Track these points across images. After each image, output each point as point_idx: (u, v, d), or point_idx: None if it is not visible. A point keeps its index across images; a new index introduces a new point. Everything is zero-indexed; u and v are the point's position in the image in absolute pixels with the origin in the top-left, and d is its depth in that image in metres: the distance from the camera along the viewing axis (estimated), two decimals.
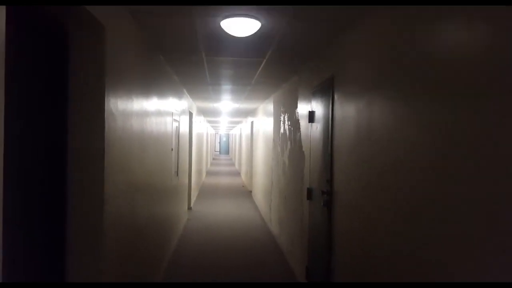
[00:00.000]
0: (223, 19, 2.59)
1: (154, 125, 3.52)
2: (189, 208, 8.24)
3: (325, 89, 3.32)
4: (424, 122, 1.70)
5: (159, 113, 3.81)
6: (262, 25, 2.71)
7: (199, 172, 11.19)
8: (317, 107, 3.58)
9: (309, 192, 3.77)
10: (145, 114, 3.08)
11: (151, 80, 3.36)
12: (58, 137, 1.95)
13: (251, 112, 10.69)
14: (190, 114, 7.78)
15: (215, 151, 36.42)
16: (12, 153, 1.49)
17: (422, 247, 1.68)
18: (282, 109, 5.68)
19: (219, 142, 39.63)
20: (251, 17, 2.55)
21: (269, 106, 7.09)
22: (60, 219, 1.96)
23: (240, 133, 17.76)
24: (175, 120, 5.11)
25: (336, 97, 3.02)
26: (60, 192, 1.96)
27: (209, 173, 17.37)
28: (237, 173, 17.93)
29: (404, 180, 1.87)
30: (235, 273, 4.41)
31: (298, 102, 4.50)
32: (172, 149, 4.88)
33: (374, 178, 2.24)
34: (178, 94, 5.35)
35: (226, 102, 8.13)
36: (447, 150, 1.52)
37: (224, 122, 16.55)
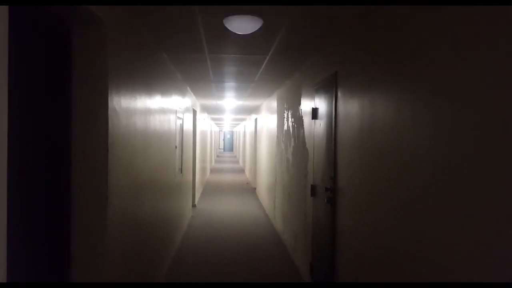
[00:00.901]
0: (226, 17, 2.59)
1: (158, 122, 3.53)
2: (193, 205, 8.27)
3: (328, 86, 3.31)
4: (428, 119, 1.70)
5: (163, 111, 3.82)
6: (264, 23, 2.71)
7: (203, 169, 11.21)
8: (321, 103, 3.57)
9: (313, 188, 3.77)
10: (148, 111, 3.09)
11: (154, 78, 3.37)
12: (62, 135, 1.96)
13: (255, 109, 10.68)
14: (194, 112, 7.79)
15: (219, 148, 36.47)
16: (16, 152, 1.50)
17: (426, 245, 1.68)
18: (285, 106, 5.68)
19: (223, 139, 39.69)
20: (253, 15, 2.54)
21: (273, 103, 7.09)
22: (63, 218, 1.98)
23: (244, 130, 17.77)
24: (179, 118, 5.12)
25: (339, 93, 3.02)
26: (64, 191, 1.97)
27: (213, 170, 17.41)
28: (241, 170, 17.96)
29: (408, 177, 1.87)
30: (239, 270, 4.43)
31: (301, 98, 4.49)
32: (176, 147, 4.89)
33: (377, 174, 2.24)
34: (181, 91, 5.36)
35: (229, 99, 8.13)
36: (451, 148, 1.52)
37: (228, 119, 16.56)
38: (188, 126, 6.42)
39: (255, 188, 11.15)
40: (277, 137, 6.49)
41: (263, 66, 4.40)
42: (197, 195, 9.06)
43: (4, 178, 1.10)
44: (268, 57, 3.92)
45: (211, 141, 17.57)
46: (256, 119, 10.97)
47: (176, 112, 4.77)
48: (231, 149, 38.76)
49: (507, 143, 1.21)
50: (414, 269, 1.78)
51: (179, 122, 5.14)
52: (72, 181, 2.01)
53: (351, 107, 2.73)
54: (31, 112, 1.69)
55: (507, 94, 1.21)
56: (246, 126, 16.00)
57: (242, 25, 2.64)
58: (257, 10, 2.48)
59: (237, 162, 23.76)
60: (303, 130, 4.35)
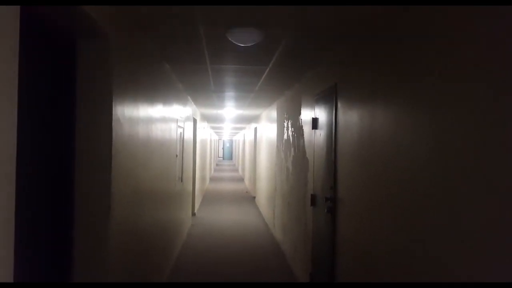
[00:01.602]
0: (228, 29, 2.63)
1: (159, 131, 3.56)
2: (193, 214, 8.26)
3: (328, 96, 3.35)
4: (428, 132, 1.73)
5: (164, 120, 3.86)
6: (266, 36, 2.75)
7: (202, 178, 11.22)
8: (321, 114, 3.61)
9: (313, 198, 3.79)
10: (150, 121, 3.12)
11: (157, 87, 3.40)
12: (66, 145, 1.99)
13: (255, 118, 10.73)
14: (194, 121, 7.83)
15: (218, 157, 36.47)
16: (20, 160, 1.53)
17: (426, 254, 1.70)
18: (285, 115, 5.71)
19: (223, 148, 39.72)
20: (255, 28, 2.59)
21: (273, 113, 7.13)
22: (66, 227, 1.99)
23: (244, 139, 17.81)
24: (180, 127, 5.15)
25: (339, 104, 3.06)
26: (67, 201, 1.99)
27: (212, 179, 17.40)
28: (241, 179, 17.95)
29: (407, 186, 1.89)
30: (238, 279, 4.42)
31: (302, 108, 4.53)
32: (176, 156, 4.91)
33: (378, 183, 2.27)
34: (182, 101, 5.40)
35: (229, 109, 8.17)
36: (451, 160, 1.54)
37: (227, 128, 16.60)
38: (188, 135, 6.45)
39: (254, 197, 11.14)
40: (277, 146, 6.51)
41: (263, 77, 4.45)
42: (197, 204, 9.06)
43: (13, 185, 1.13)
44: (268, 68, 3.97)
45: (210, 149, 17.59)
46: (255, 128, 11.00)
47: (177, 121, 4.80)
48: (230, 157, 38.76)
49: (507, 156, 1.24)
50: (414, 278, 1.79)
51: (179, 131, 5.17)
52: (76, 191, 2.03)
53: (351, 118, 2.76)
54: (36, 122, 1.72)
55: (508, 107, 1.25)
56: (246, 135, 16.03)
57: (243, 37, 2.69)
58: (259, 23, 2.53)
59: (237, 170, 23.75)
60: (303, 140, 4.38)
